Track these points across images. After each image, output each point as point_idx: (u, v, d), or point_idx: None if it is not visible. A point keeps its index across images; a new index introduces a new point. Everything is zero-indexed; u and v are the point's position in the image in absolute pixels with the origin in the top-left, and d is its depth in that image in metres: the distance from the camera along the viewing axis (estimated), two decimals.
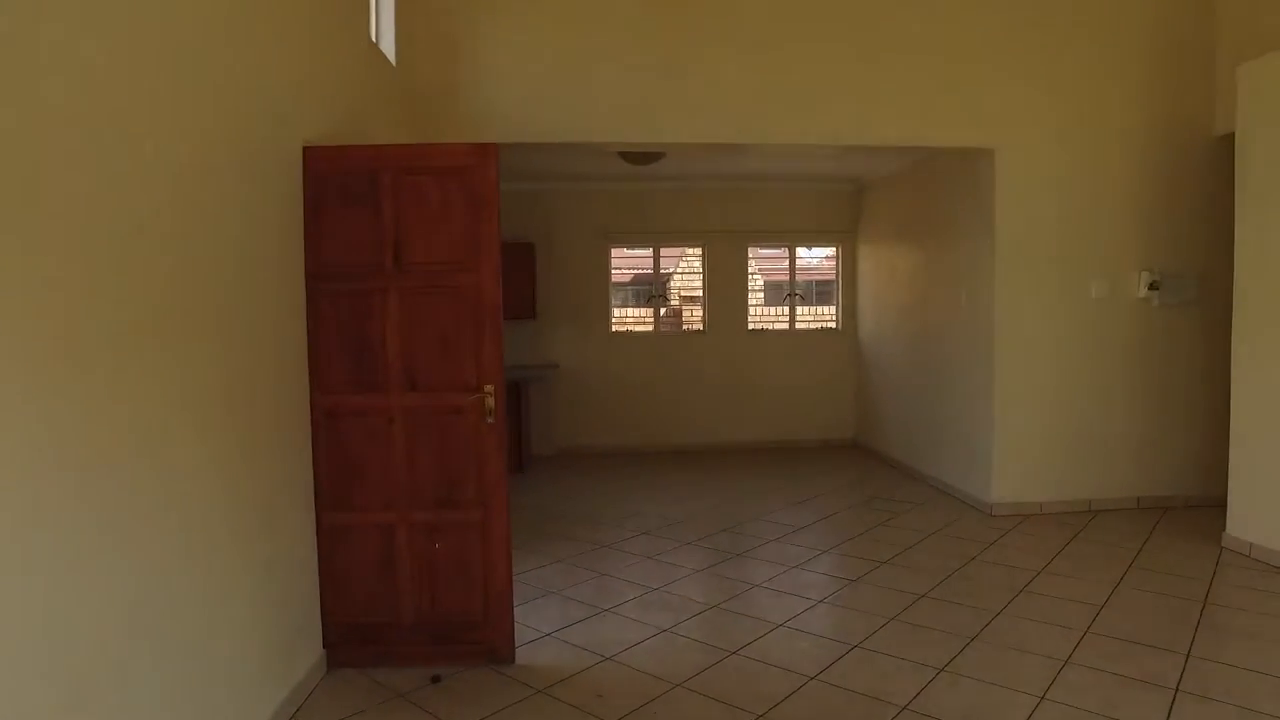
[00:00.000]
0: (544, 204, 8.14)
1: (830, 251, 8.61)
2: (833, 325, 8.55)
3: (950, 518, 5.53)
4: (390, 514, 3.32)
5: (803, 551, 4.89)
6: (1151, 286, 5.53)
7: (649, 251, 8.46)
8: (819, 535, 5.27)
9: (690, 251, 8.60)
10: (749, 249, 8.42)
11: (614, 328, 8.40)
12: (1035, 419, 5.60)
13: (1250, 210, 4.69)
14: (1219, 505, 5.74)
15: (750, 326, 8.42)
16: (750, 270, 8.59)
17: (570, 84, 5.09)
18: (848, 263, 8.43)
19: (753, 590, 4.25)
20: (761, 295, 9.90)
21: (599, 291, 8.26)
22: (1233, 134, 5.51)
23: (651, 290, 8.43)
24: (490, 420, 3.29)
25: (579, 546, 5.05)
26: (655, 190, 8.19)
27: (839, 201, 8.35)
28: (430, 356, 3.30)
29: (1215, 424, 5.75)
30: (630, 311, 8.82)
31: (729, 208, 8.27)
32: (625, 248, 8.57)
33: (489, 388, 3.28)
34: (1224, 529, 4.87)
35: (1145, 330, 5.62)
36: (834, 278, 8.57)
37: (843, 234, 8.36)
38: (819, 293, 10.15)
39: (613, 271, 8.38)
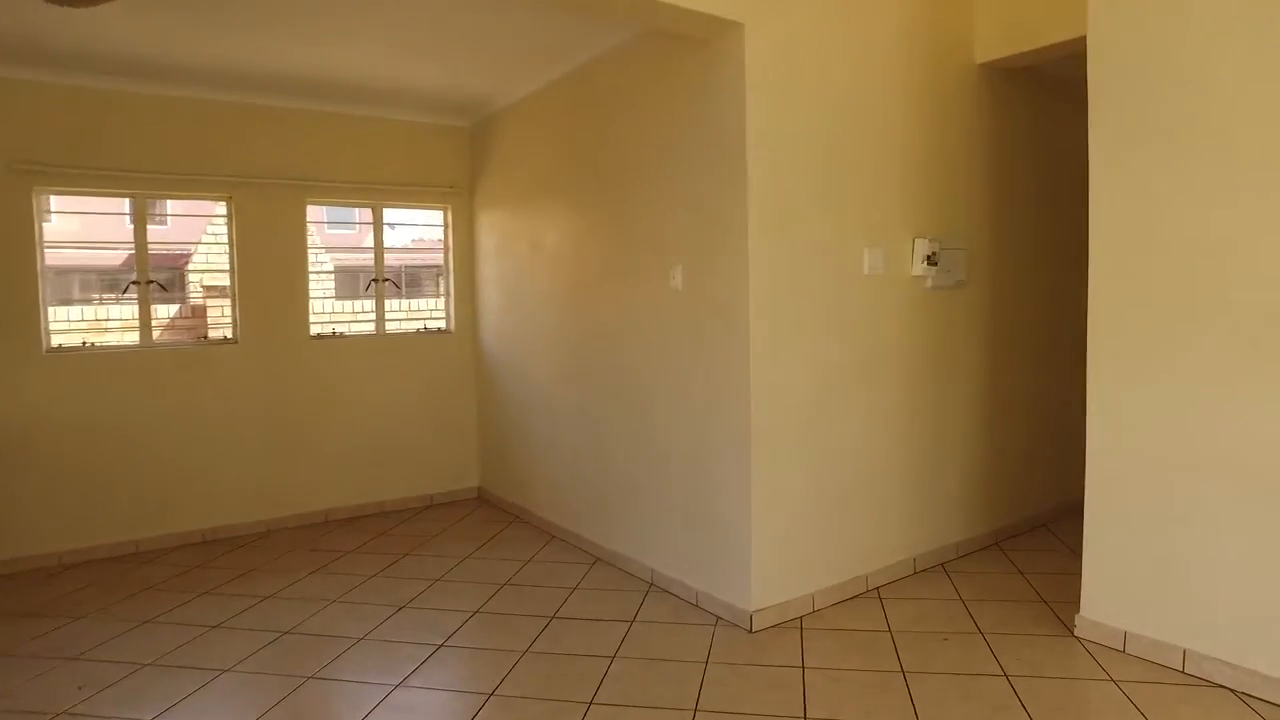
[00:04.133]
0: None
1: (435, 217, 5.72)
2: (442, 325, 5.70)
3: (694, 651, 3.09)
4: None
5: None
6: (929, 261, 3.75)
7: (124, 206, 4.71)
8: None
9: (219, 211, 5.03)
10: (308, 207, 5.15)
11: (56, 341, 4.51)
12: (801, 470, 3.45)
13: (1110, 162, 3.01)
14: (987, 547, 4.21)
15: (314, 331, 5.18)
16: (313, 244, 5.35)
17: None
18: (462, 233, 5.62)
19: None
20: (333, 283, 6.65)
21: (21, 278, 4.32)
22: (994, 61, 3.98)
23: (134, 274, 4.70)
24: None
25: None
26: (127, 97, 4.50)
27: (448, 143, 5.49)
28: None
29: (985, 449, 4.21)
30: (106, 313, 4.95)
31: (270, 139, 4.89)
32: (75, 194, 4.67)
33: None
34: (1078, 611, 3.22)
35: (919, 323, 3.79)
36: (443, 256, 5.71)
37: (454, 191, 5.52)
38: (414, 278, 7.19)
39: (45, 243, 4.47)
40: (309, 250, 5.12)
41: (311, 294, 5.13)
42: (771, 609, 3.30)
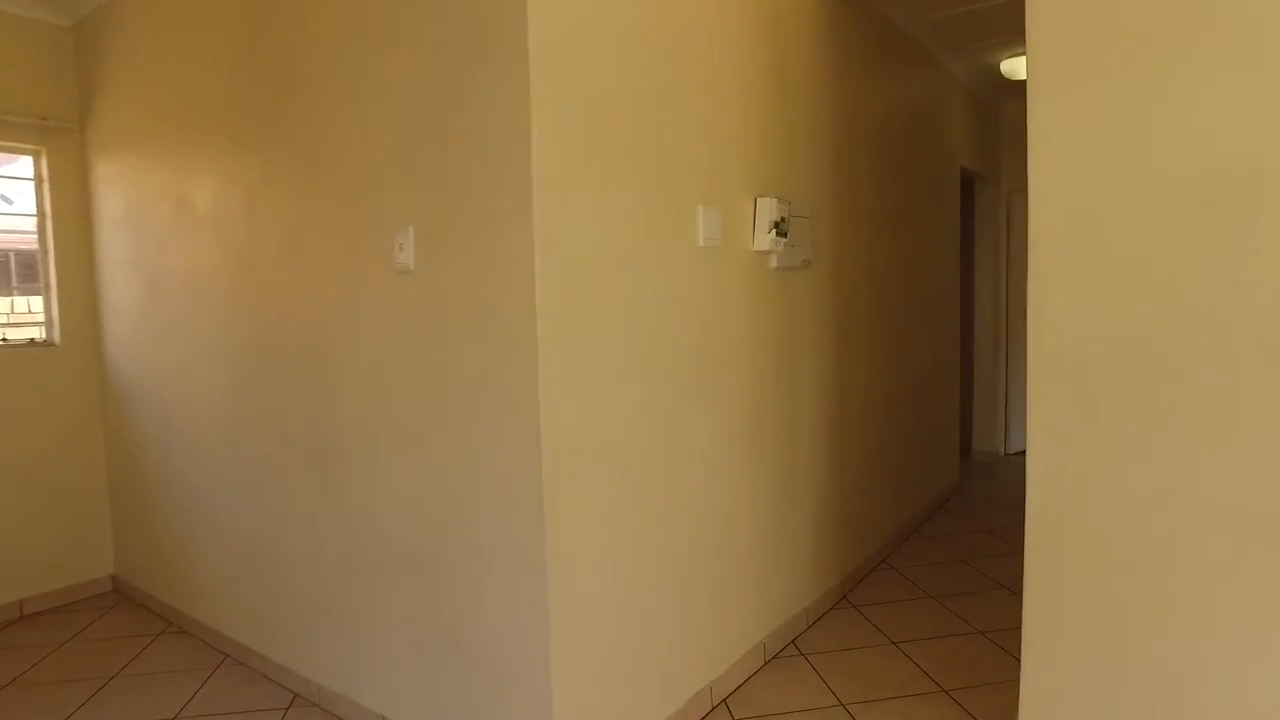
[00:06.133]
0: None
1: (22, 167, 3.65)
2: (40, 334, 3.66)
3: None
4: None
5: None
6: (777, 229, 2.64)
7: None
8: None
9: None
10: None
11: None
12: (623, 550, 2.18)
13: (1056, 78, 2.06)
14: (837, 604, 3.04)
15: None
16: None
17: None
18: (70, 192, 3.60)
19: None
20: None
21: None
22: None
23: None
24: None
25: None
26: None
27: (38, 49, 3.40)
28: None
29: (834, 480, 3.24)
30: None
31: None
32: None
33: None
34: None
35: (764, 318, 2.65)
36: (38, 228, 3.66)
37: (51, 126, 3.45)
38: (29, 269, 4.89)
39: None
40: None
41: None
42: None
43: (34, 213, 3.61)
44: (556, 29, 1.86)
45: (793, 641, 2.87)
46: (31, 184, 3.55)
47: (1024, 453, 5.93)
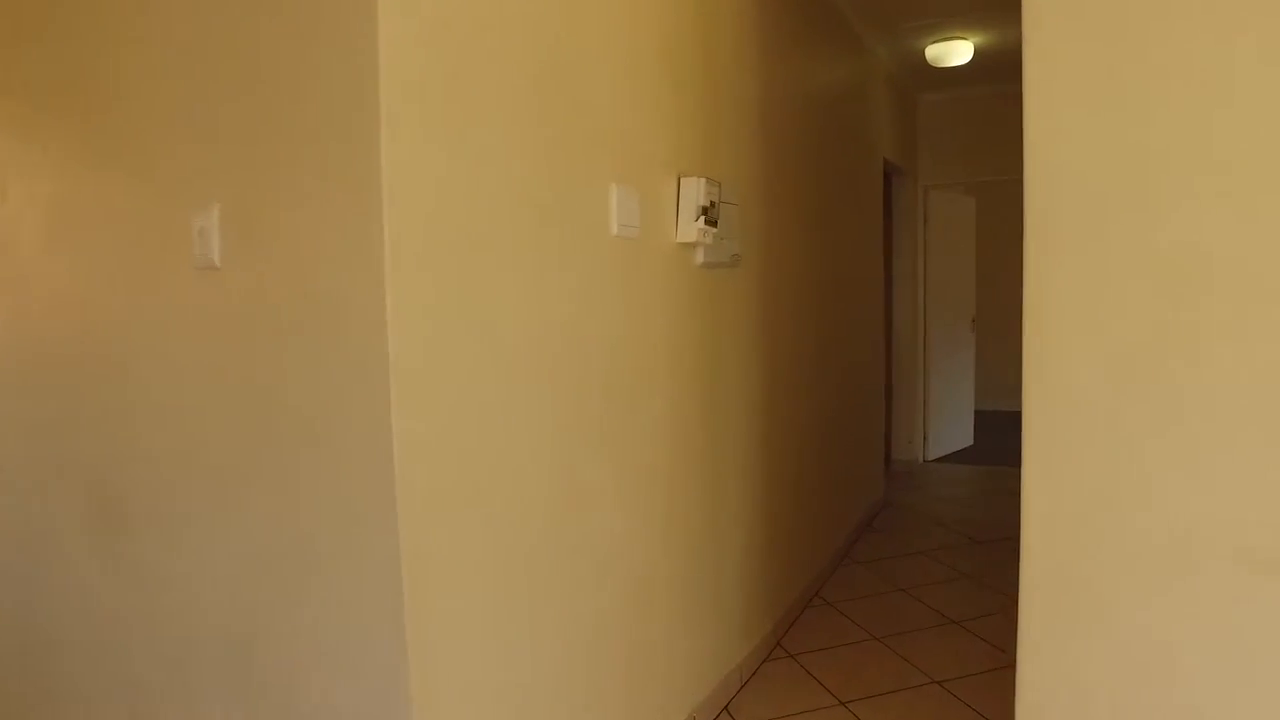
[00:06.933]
0: None
1: None
2: None
3: None
4: None
5: None
6: (706, 217, 2.18)
7: None
8: None
9: None
10: None
11: None
12: (514, 641, 1.68)
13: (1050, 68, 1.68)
14: (772, 653, 2.48)
15: None
16: None
17: None
18: None
19: None
20: None
21: None
22: None
23: None
24: None
25: None
26: None
27: None
28: None
29: (764, 513, 2.82)
30: None
31: None
32: None
33: None
34: None
35: (689, 327, 2.18)
36: None
37: None
38: None
39: None
40: None
41: None
42: None
43: None
44: None
45: (725, 708, 2.42)
46: None
47: (943, 460, 5.75)
